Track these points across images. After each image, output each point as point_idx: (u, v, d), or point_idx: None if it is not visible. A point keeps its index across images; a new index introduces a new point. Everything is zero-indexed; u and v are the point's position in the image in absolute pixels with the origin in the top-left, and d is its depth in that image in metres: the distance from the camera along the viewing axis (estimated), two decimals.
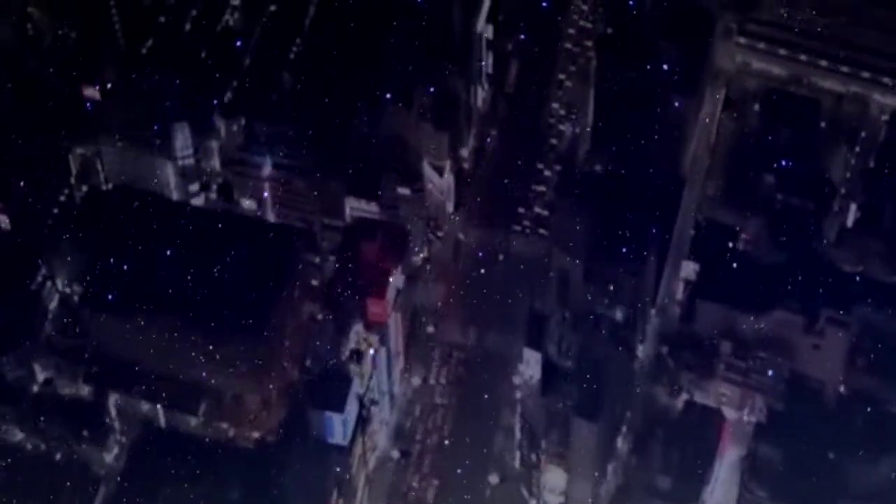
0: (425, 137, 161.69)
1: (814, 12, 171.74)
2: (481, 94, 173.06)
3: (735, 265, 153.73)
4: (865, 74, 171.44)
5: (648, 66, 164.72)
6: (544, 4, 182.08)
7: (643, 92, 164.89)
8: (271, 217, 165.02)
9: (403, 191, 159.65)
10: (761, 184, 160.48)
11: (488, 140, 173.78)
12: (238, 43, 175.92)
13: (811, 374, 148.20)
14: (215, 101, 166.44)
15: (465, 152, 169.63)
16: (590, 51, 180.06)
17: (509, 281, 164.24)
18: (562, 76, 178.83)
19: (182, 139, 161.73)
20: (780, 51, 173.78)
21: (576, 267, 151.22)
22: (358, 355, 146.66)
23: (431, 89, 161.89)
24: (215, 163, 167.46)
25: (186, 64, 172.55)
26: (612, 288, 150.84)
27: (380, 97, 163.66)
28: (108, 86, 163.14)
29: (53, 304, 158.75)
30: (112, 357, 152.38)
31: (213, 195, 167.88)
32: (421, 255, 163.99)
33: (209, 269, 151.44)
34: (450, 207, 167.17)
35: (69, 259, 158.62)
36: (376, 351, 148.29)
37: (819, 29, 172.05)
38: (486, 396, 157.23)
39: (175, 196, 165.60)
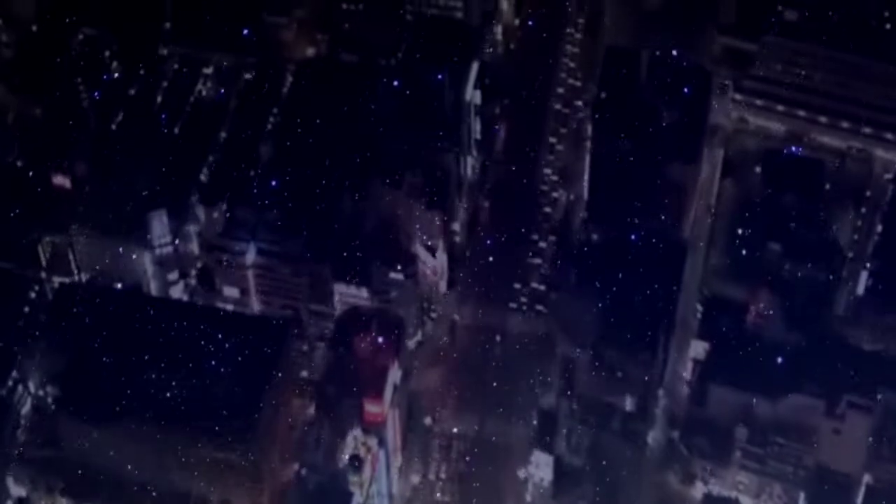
0: (416, 217, 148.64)
1: (812, 68, 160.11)
2: (470, 162, 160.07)
3: (746, 344, 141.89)
4: (867, 130, 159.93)
5: (646, 133, 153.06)
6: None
7: (641, 158, 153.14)
8: (255, 305, 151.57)
9: (396, 276, 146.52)
10: (767, 253, 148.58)
11: (480, 212, 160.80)
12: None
13: (833, 461, 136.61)
14: (194, 187, 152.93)
15: (456, 226, 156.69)
16: (580, 111, 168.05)
17: (509, 363, 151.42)
18: (552, 139, 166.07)
19: (160, 227, 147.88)
20: (778, 107, 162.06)
21: (583, 355, 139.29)
22: (357, 462, 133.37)
23: (421, 167, 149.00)
24: (194, 248, 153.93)
25: (159, 140, 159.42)
26: (620, 374, 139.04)
27: (366, 175, 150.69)
28: (79, 173, 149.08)
29: (26, 410, 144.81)
30: (91, 467, 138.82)
31: (193, 281, 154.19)
32: (415, 339, 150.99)
33: (191, 368, 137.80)
34: (443, 287, 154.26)
35: (42, 360, 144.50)
36: (374, 455, 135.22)
37: (817, 84, 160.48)
38: (490, 492, 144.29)
39: (153, 285, 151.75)
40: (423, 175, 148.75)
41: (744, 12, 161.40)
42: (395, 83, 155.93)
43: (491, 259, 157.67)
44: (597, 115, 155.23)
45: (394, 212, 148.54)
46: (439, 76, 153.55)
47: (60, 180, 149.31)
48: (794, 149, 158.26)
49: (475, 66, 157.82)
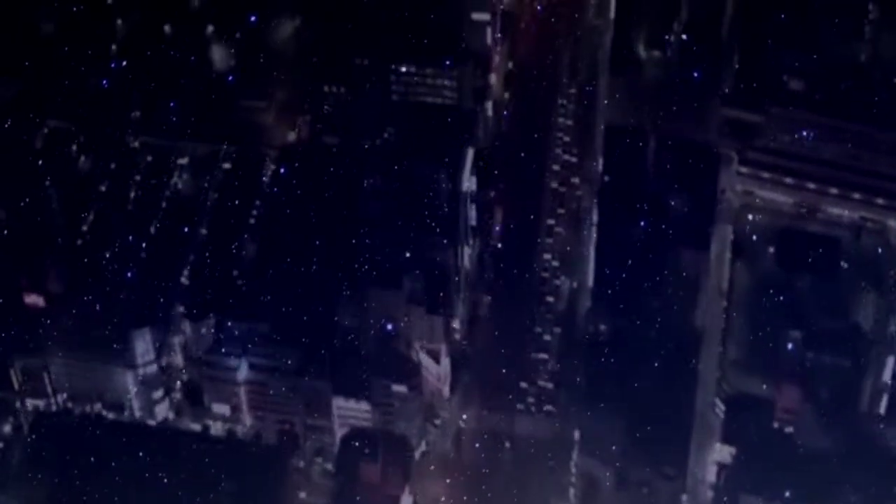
0: (417, 322, 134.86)
1: (820, 139, 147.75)
2: (467, 253, 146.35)
3: (775, 447, 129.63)
4: (880, 201, 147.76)
5: (654, 218, 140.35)
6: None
7: (649, 245, 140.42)
8: (248, 421, 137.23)
9: (399, 388, 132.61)
10: (787, 342, 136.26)
11: (479, 306, 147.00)
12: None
13: None
14: (176, 295, 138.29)
15: (455, 323, 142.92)
16: (578, 189, 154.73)
17: (520, 472, 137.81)
18: (550, 221, 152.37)
19: (143, 345, 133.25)
20: (786, 179, 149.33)
21: (605, 470, 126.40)
22: None
23: (419, 267, 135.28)
24: (179, 360, 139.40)
25: (135, 244, 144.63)
26: (647, 490, 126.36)
27: (363, 278, 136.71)
28: (53, 290, 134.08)
29: None
30: None
31: (179, 395, 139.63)
32: (419, 451, 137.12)
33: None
34: (446, 391, 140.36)
35: (17, 497, 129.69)
36: None
37: (826, 155, 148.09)
38: None
39: (136, 404, 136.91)
40: (423, 276, 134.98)
41: (747, 82, 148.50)
42: (385, 177, 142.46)
43: (494, 356, 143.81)
44: (602, 201, 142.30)
45: (393, 318, 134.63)
46: (435, 169, 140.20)
47: (33, 299, 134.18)
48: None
49: (470, 153, 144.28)
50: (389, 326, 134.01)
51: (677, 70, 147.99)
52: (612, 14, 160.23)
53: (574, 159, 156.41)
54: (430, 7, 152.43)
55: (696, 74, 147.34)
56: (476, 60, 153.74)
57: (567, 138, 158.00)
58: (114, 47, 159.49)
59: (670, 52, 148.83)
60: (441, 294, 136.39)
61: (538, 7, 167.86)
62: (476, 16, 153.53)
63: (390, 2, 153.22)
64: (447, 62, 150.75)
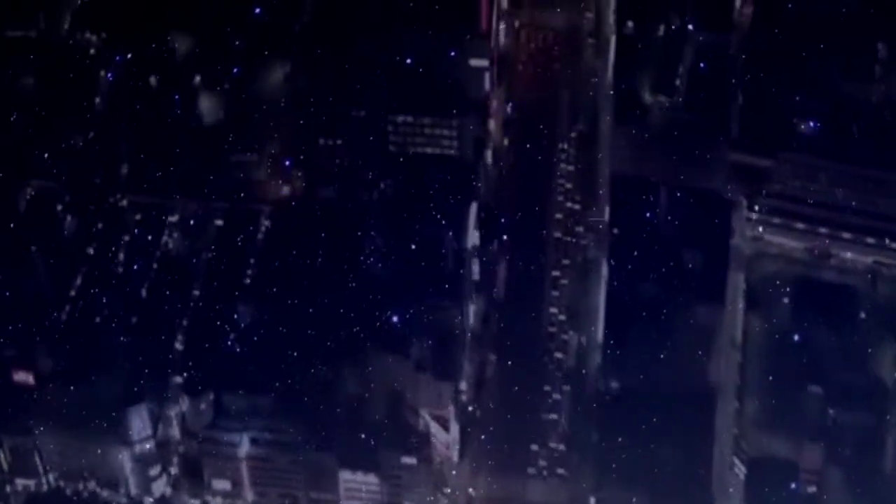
0: (424, 388, 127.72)
1: (832, 183, 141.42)
2: (472, 309, 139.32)
3: None
4: (895, 245, 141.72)
5: (666, 272, 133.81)
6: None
7: (662, 299, 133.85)
8: (249, 496, 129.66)
9: (408, 460, 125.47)
10: (808, 398, 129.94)
11: (486, 365, 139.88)
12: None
13: None
14: (171, 365, 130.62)
15: (462, 385, 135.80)
16: (582, 238, 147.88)
17: None
18: (556, 273, 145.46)
19: (139, 422, 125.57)
20: (798, 224, 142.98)
21: None
22: None
23: (424, 331, 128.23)
24: (176, 433, 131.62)
25: (126, 307, 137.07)
26: None
27: (366, 344, 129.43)
28: (43, 368, 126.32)
29: None
30: None
31: (176, 471, 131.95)
32: None
33: None
34: (455, 457, 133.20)
35: None
36: None
37: (839, 200, 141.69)
38: None
39: (132, 482, 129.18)
40: (430, 341, 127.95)
41: (756, 126, 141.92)
42: (386, 235, 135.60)
43: (503, 419, 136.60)
44: (613, 255, 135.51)
45: (400, 386, 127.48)
46: (439, 226, 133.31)
47: (22, 377, 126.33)
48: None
49: (474, 208, 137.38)
50: (395, 394, 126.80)
51: (684, 115, 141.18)
52: (611, 55, 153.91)
53: (577, 206, 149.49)
54: (427, 55, 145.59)
55: (703, 119, 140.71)
56: (475, 107, 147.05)
57: (569, 185, 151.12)
58: (97, 100, 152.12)
59: (676, 97, 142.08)
60: (449, 359, 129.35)
61: (533, 47, 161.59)
62: (474, 62, 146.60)
63: (386, 50, 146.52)
64: (446, 111, 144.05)
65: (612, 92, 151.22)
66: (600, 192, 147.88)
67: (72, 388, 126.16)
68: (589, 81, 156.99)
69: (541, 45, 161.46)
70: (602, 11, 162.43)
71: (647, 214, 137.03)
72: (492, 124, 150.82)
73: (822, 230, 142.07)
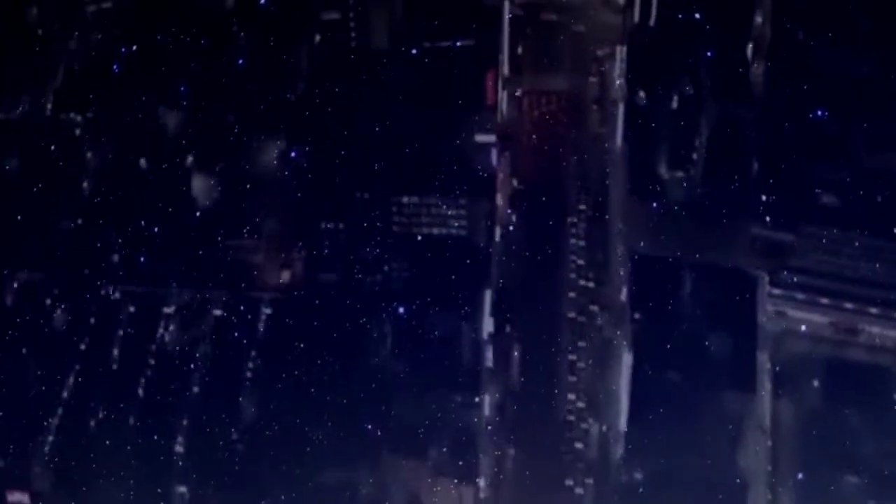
0: (444, 492, 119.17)
1: (857, 257, 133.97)
2: (487, 401, 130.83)
3: None
4: None
5: (692, 358, 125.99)
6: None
7: (688, 387, 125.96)
8: None
9: None
10: (845, 488, 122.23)
11: (504, 459, 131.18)
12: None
13: None
14: (176, 482, 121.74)
15: (481, 482, 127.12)
16: (598, 317, 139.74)
17: None
18: (572, 356, 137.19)
19: None
20: (822, 300, 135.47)
21: None
22: None
23: (442, 429, 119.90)
24: None
25: (122, 407, 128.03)
26: None
27: (380, 445, 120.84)
28: (39, 487, 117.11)
29: None
30: None
31: None
32: None
33: None
34: None
35: None
36: None
37: (864, 273, 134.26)
38: None
39: None
40: (448, 441, 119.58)
41: (777, 199, 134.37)
42: (395, 324, 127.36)
43: None
44: (635, 342, 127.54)
45: (416, 491, 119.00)
46: (453, 316, 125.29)
47: (17, 497, 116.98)
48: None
49: (489, 295, 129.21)
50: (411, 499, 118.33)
51: (702, 190, 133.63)
52: (619, 122, 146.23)
53: (591, 284, 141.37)
54: (432, 132, 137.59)
55: (722, 194, 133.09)
56: (482, 184, 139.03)
57: (581, 261, 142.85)
58: (85, 184, 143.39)
59: (693, 170, 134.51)
60: (468, 459, 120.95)
61: (537, 114, 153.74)
62: (481, 138, 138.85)
63: (387, 126, 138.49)
64: (453, 190, 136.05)
65: (621, 161, 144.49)
66: (614, 268, 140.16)
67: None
68: (596, 149, 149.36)
69: (544, 112, 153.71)
70: (606, 75, 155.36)
71: (669, 296, 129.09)
72: (499, 199, 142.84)
73: (848, 305, 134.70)
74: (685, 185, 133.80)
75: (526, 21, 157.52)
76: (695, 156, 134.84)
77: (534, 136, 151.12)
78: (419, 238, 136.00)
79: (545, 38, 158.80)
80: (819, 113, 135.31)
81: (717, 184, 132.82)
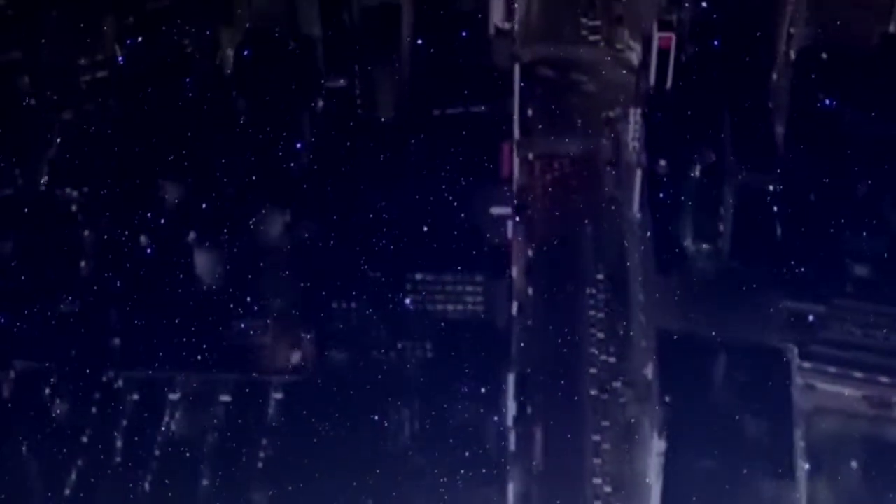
0: None
1: (891, 329, 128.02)
2: (511, 489, 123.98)
3: None
4: None
5: (728, 446, 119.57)
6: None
7: (724, 475, 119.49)
8: None
9: None
10: None
11: None
12: None
13: None
14: None
15: None
16: (621, 395, 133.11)
17: None
18: (596, 437, 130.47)
19: None
20: (855, 373, 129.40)
21: None
22: None
23: None
24: None
25: (128, 501, 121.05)
26: None
27: None
28: None
29: None
30: None
31: None
32: None
33: None
34: None
35: None
36: None
37: None
38: None
39: None
40: None
41: (806, 270, 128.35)
42: (412, 410, 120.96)
43: None
44: (668, 427, 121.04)
45: None
46: (475, 401, 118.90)
47: None
48: None
49: (512, 380, 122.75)
50: None
51: (729, 263, 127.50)
52: (636, 187, 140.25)
53: (612, 359, 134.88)
54: (445, 207, 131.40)
55: (749, 267, 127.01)
56: (498, 258, 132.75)
57: (601, 335, 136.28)
58: (83, 264, 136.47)
59: (719, 243, 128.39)
60: None
61: (549, 178, 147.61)
62: (496, 210, 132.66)
63: (400, 202, 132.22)
64: (468, 266, 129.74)
65: (640, 229, 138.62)
66: (636, 341, 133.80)
67: None
68: (612, 214, 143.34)
69: (556, 176, 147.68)
70: (620, 136, 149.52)
71: (698, 376, 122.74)
72: (515, 272, 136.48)
73: (883, 379, 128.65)
74: (712, 257, 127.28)
75: (535, 81, 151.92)
76: (721, 227, 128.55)
77: (547, 202, 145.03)
78: (434, 316, 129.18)
79: (555, 98, 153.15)
80: (847, 180, 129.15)
81: (743, 257, 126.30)
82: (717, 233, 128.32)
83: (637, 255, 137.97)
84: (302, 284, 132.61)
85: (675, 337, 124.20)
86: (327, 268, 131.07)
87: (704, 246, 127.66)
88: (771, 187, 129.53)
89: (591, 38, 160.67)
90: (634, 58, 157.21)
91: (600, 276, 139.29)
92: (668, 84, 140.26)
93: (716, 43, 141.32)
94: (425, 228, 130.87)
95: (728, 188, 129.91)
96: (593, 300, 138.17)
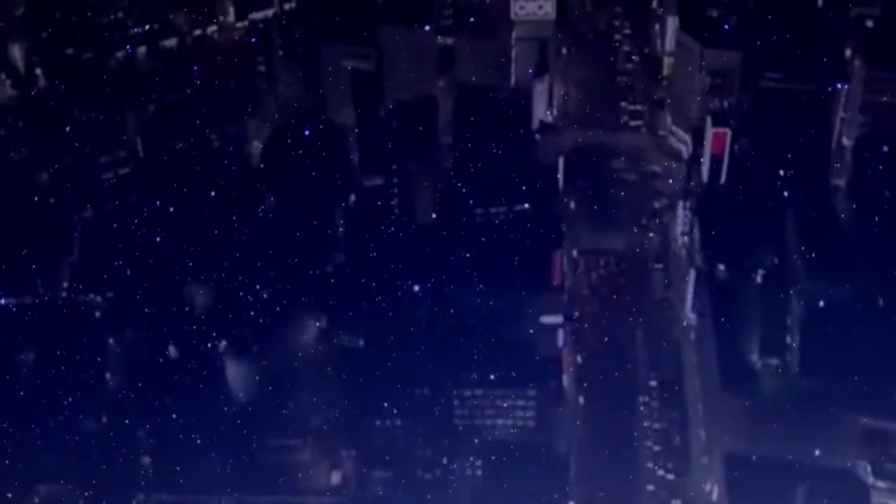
0: None
1: None
2: None
3: None
4: None
5: None
6: None
7: None
8: None
9: None
10: None
11: None
12: None
13: None
14: None
15: None
16: None
17: None
18: None
19: None
20: None
21: None
22: None
23: None
24: None
25: None
26: None
27: None
28: None
29: None
30: None
31: None
32: None
33: None
34: None
35: None
36: None
37: None
38: None
39: None
40: None
41: (879, 387, 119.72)
42: None
43: None
44: None
45: None
46: None
47: None
48: None
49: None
50: None
51: (799, 381, 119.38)
52: (689, 289, 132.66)
53: (671, 476, 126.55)
54: (493, 316, 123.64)
55: (821, 384, 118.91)
56: (549, 369, 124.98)
57: (657, 447, 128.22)
58: (108, 376, 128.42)
59: (788, 358, 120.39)
60: None
61: (595, 276, 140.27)
62: (547, 319, 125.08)
63: (445, 312, 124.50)
64: (519, 379, 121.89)
65: (692, 331, 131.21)
66: (695, 456, 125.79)
67: None
68: (663, 316, 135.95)
69: (603, 274, 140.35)
70: (668, 232, 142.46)
71: (769, 499, 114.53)
72: (565, 380, 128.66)
73: None
74: (780, 373, 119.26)
75: (576, 172, 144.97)
76: (788, 339, 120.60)
77: (595, 304, 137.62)
78: (484, 433, 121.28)
79: (597, 190, 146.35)
80: None
81: (815, 371, 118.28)
82: (785, 346, 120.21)
83: (693, 361, 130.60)
84: (342, 398, 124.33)
85: (743, 458, 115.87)
86: (369, 381, 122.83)
87: (772, 361, 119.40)
88: (840, 296, 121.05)
89: (633, 123, 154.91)
90: (675, 143, 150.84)
91: (653, 383, 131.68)
92: (722, 179, 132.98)
93: (770, 135, 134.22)
94: (472, 339, 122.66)
95: (794, 297, 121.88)
96: (647, 409, 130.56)
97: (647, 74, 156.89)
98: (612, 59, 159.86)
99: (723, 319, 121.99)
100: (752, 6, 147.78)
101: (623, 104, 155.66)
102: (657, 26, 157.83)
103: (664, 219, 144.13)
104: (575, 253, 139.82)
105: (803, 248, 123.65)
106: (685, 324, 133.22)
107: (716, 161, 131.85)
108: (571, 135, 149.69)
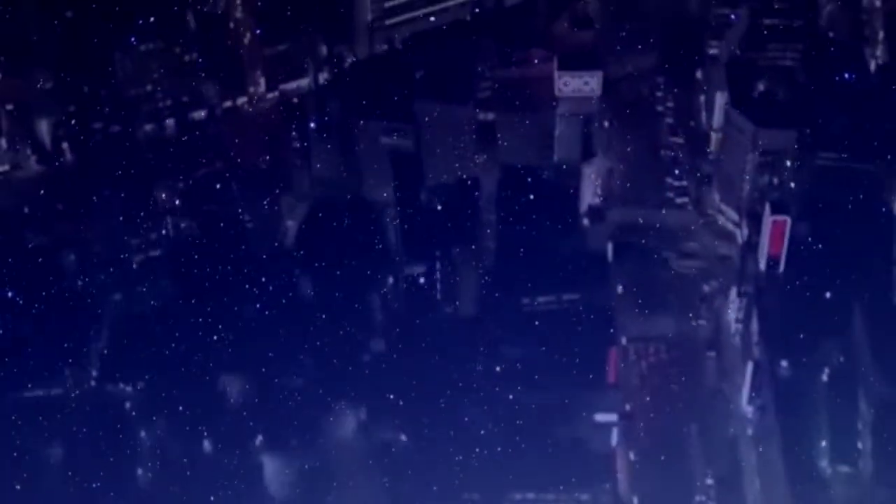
0: None
1: None
2: None
3: None
4: None
5: None
6: None
7: None
8: None
9: None
10: None
11: None
12: None
13: None
14: None
15: None
16: None
17: None
18: None
19: None
20: None
21: None
22: None
23: None
24: None
25: None
26: None
27: None
28: None
29: None
30: None
31: None
32: None
33: None
34: None
35: None
36: None
37: None
38: None
39: None
40: None
41: None
42: None
43: None
44: None
45: None
46: None
47: None
48: None
49: None
50: None
51: (873, 489, 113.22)
52: (746, 381, 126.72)
53: None
54: (545, 415, 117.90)
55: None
56: (601, 470, 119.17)
57: None
58: (139, 472, 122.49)
59: (861, 464, 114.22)
60: None
61: (644, 365, 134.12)
62: (601, 417, 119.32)
63: (494, 412, 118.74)
64: (569, 482, 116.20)
65: (749, 426, 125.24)
66: None
67: None
68: (717, 409, 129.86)
69: (653, 363, 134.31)
70: (721, 316, 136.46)
71: None
72: (620, 482, 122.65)
73: None
74: (852, 481, 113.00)
75: (622, 253, 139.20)
76: (860, 445, 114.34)
77: (646, 396, 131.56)
78: None
79: (644, 272, 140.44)
80: None
81: (890, 480, 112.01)
82: (856, 451, 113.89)
83: (752, 459, 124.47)
84: (383, 499, 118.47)
85: None
86: (414, 484, 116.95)
87: (843, 468, 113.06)
88: None
89: (678, 200, 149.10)
90: (724, 222, 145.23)
91: (710, 482, 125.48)
92: (781, 269, 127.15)
93: (829, 220, 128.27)
94: (523, 440, 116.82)
95: (864, 398, 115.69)
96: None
97: (693, 149, 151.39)
98: (655, 132, 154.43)
99: (785, 418, 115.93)
100: (805, 80, 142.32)
101: (668, 180, 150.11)
102: (702, 98, 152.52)
103: (715, 303, 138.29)
104: (623, 340, 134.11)
105: (870, 345, 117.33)
106: (742, 418, 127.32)
107: (774, 249, 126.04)
108: (617, 213, 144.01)
